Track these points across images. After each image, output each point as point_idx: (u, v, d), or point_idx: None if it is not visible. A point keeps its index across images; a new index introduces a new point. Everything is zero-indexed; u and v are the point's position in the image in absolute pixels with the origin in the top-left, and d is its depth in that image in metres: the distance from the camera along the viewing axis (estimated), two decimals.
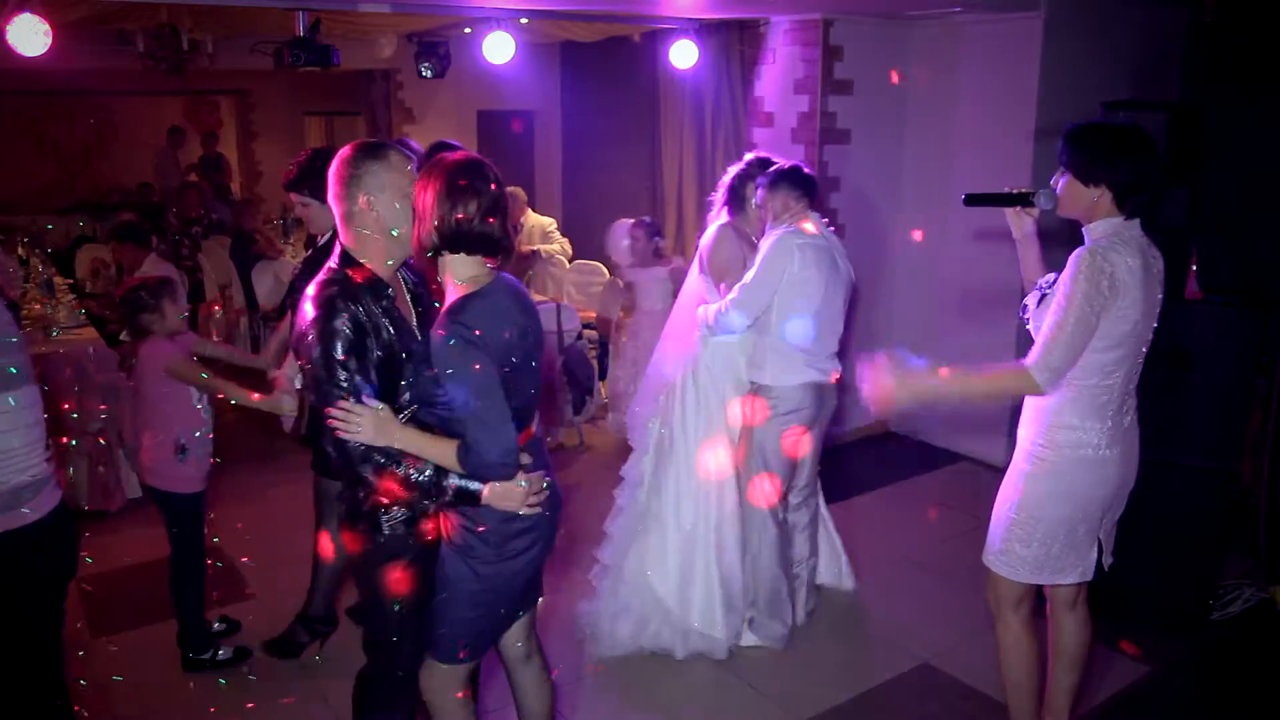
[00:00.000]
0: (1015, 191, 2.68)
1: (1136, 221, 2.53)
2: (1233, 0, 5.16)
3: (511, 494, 2.19)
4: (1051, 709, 2.89)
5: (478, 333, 2.09)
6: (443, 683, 2.38)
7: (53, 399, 4.57)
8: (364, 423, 2.07)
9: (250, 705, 3.28)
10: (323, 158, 3.17)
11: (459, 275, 2.19)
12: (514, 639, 2.52)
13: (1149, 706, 3.37)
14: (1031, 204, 2.66)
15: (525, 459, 2.23)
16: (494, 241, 2.17)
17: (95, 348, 4.89)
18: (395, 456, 2.12)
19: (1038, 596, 2.82)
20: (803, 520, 3.78)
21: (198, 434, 3.35)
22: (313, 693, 3.35)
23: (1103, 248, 2.44)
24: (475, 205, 2.12)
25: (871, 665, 3.52)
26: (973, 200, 2.75)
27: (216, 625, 3.66)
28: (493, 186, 2.16)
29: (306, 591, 3.57)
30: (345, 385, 2.08)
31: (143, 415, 3.41)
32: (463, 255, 2.17)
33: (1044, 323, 2.46)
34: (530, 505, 2.23)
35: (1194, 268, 3.69)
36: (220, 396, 3.28)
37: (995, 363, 2.63)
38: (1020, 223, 2.73)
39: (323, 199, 3.17)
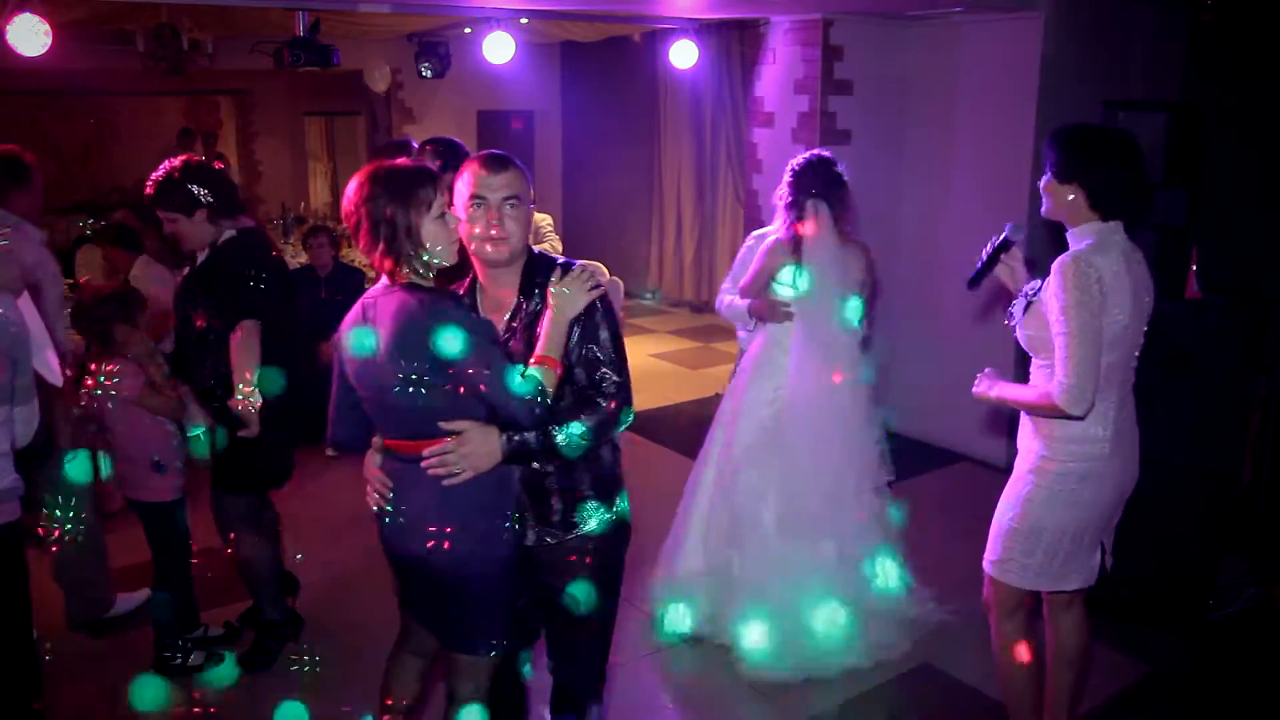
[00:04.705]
0: (996, 247, 2.71)
1: (1119, 225, 2.53)
2: (1233, 0, 5.16)
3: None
4: (1051, 709, 2.89)
5: None
6: None
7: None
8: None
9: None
10: (187, 170, 3.06)
11: None
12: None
13: (1149, 706, 3.37)
14: (1010, 246, 2.71)
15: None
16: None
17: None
18: None
19: (1035, 599, 2.82)
20: None
21: (174, 444, 3.35)
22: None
23: (1084, 253, 2.45)
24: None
25: (871, 665, 3.51)
26: (976, 280, 2.76)
27: (210, 630, 3.61)
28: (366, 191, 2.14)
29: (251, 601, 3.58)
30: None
31: (115, 431, 3.37)
32: None
33: (1055, 349, 2.45)
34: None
35: (1194, 268, 3.69)
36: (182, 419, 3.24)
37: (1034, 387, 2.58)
38: (1014, 272, 2.74)
39: (190, 213, 3.09)
